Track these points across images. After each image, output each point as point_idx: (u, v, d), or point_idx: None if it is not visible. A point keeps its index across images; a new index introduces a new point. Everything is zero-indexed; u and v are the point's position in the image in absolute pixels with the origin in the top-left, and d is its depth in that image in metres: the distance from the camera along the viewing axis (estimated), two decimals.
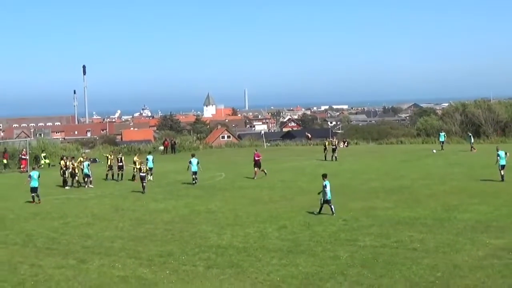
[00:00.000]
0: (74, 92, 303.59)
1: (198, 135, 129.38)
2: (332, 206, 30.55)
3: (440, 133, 71.74)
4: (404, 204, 33.01)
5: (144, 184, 41.33)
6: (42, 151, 66.85)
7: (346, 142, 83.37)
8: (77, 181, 46.19)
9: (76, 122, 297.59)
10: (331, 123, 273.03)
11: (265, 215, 30.99)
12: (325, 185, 31.06)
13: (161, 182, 46.07)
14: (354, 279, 19.30)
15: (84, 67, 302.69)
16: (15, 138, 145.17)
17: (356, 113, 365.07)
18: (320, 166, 54.08)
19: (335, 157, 59.14)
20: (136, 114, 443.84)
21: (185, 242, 25.31)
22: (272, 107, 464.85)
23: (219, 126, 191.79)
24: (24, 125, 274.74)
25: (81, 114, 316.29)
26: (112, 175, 49.68)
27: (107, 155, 53.27)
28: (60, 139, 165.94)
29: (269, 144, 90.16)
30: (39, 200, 38.21)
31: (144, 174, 42.02)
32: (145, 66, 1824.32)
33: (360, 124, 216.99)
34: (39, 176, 39.00)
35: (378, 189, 38.90)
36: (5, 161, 62.07)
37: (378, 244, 23.76)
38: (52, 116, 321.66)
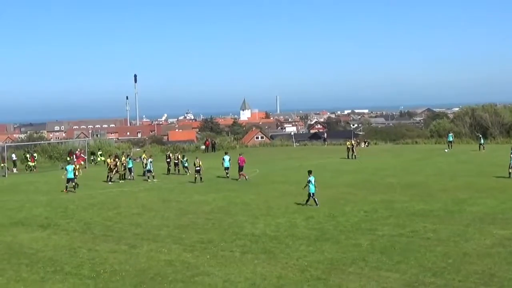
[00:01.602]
0: (127, 98, 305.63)
1: (235, 136, 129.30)
2: (316, 199, 30.87)
3: (449, 134, 71.08)
4: (418, 197, 32.73)
5: (197, 176, 43.60)
6: (99, 149, 67.40)
7: (366, 142, 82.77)
8: (121, 176, 46.76)
9: (128, 124, 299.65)
10: (353, 125, 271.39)
11: (294, 207, 30.93)
12: (309, 180, 31.21)
13: (204, 177, 46.14)
14: (374, 264, 19.18)
15: (135, 76, 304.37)
16: (75, 138, 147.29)
17: (375, 117, 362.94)
18: (342, 164, 53.91)
19: (354, 155, 58.98)
20: (181, 117, 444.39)
21: (223, 231, 25.34)
22: (300, 111, 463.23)
23: (253, 128, 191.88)
24: (83, 127, 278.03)
25: (133, 117, 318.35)
26: (110, 178, 46.17)
27: (107, 159, 50.33)
28: (114, 139, 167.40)
29: (298, 144, 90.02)
30: (74, 189, 40.31)
31: (199, 168, 43.86)
32: (189, 74, 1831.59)
33: (379, 126, 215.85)
34: (73, 169, 41.36)
35: (395, 184, 38.61)
36: (68, 158, 62.45)
37: (395, 233, 23.58)
38: (107, 119, 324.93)
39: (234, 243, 22.84)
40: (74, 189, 40.43)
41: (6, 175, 53.87)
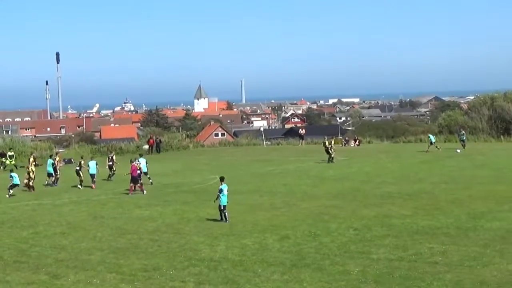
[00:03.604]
0: (46, 83, 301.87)
1: (188, 132, 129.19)
2: (226, 214, 31.66)
3: (460, 132, 71.64)
4: (423, 211, 33.05)
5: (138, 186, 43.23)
6: (9, 150, 66.60)
7: (357, 140, 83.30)
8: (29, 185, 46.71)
9: (49, 117, 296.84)
10: (340, 118, 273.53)
11: (264, 223, 31.02)
12: (221, 189, 31.89)
13: (146, 186, 46.02)
14: None
15: (57, 54, 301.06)
16: None
17: (369, 107, 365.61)
18: (327, 168, 54.16)
19: (331, 158, 58.99)
20: (117, 109, 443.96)
21: (173, 255, 25.33)
22: (272, 101, 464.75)
23: (212, 122, 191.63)
24: None
25: (54, 108, 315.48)
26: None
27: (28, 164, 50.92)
28: (30, 136, 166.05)
29: (269, 143, 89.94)
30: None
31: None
32: (127, 55, 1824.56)
33: (373, 120, 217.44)
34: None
35: (394, 194, 38.93)
36: None
37: (394, 257, 23.81)
38: (21, 110, 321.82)
39: (187, 271, 22.84)
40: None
41: None
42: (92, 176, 46.99)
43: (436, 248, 24.90)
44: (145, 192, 42.36)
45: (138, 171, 42.86)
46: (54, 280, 22.27)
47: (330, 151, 59.31)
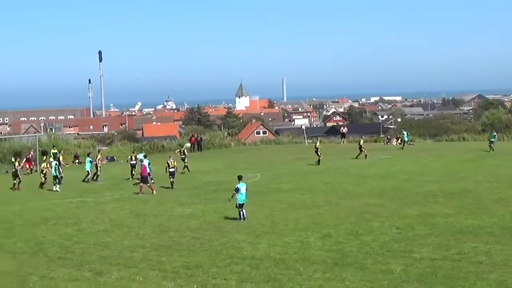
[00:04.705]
0: (89, 82, 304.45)
1: (230, 131, 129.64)
2: (244, 212, 31.76)
3: (492, 133, 71.08)
4: (467, 210, 32.77)
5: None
6: (53, 148, 67.19)
7: (399, 139, 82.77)
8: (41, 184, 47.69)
9: (92, 116, 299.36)
10: (382, 117, 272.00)
11: (306, 222, 30.97)
12: (237, 188, 31.82)
13: (188, 184, 46.24)
14: None
15: (100, 53, 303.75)
16: (23, 134, 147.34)
17: (411, 106, 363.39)
18: (369, 166, 53.89)
19: (362, 156, 60.36)
20: (159, 107, 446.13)
21: (215, 253, 25.40)
22: (314, 99, 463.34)
23: (253, 120, 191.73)
24: (33, 118, 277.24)
25: (97, 106, 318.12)
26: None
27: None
28: (74, 134, 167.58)
29: (310, 141, 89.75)
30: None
31: (173, 170, 44.61)
32: (169, 53, 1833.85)
33: (415, 118, 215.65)
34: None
35: (436, 193, 38.64)
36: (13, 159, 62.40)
37: (437, 257, 23.62)
38: (64, 108, 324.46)
39: (229, 269, 22.89)
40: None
41: None
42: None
43: (480, 248, 24.66)
44: (154, 192, 42.43)
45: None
46: (98, 277, 22.45)
47: (362, 149, 60.69)
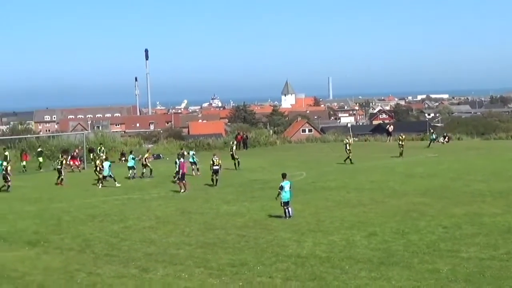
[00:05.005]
0: (136, 80, 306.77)
1: (275, 128, 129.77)
2: (289, 209, 31.64)
3: None
4: None
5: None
6: (100, 145, 67.80)
7: (446, 137, 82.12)
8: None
9: (138, 113, 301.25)
10: (428, 115, 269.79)
11: (352, 220, 30.84)
12: (282, 186, 31.75)
13: (233, 181, 46.33)
14: None
15: (146, 51, 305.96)
16: (71, 131, 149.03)
17: (458, 104, 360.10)
18: (416, 165, 53.49)
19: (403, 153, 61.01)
20: (205, 105, 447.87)
21: (261, 251, 25.40)
22: (360, 97, 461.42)
23: (299, 118, 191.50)
24: (80, 116, 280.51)
25: (144, 104, 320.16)
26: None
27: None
28: (120, 132, 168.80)
29: (356, 139, 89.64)
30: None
31: (218, 167, 45.16)
32: (215, 51, 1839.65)
33: (463, 116, 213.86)
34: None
35: (484, 192, 38.20)
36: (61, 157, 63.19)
37: (484, 256, 23.37)
38: (111, 106, 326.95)
39: (274, 267, 22.88)
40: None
41: None
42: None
43: None
44: (186, 190, 42.46)
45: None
46: (144, 274, 22.59)
47: (401, 146, 61.29)
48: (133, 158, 51.32)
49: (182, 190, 42.12)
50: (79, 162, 60.76)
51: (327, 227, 29.52)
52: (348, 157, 56.77)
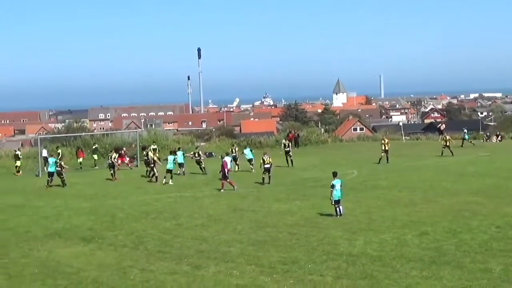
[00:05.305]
0: (188, 78, 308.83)
1: (327, 127, 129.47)
2: (340, 208, 31.59)
3: None
4: None
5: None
6: (153, 143, 68.28)
7: (499, 136, 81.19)
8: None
9: (190, 112, 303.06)
10: (481, 113, 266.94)
11: (403, 219, 30.65)
12: (333, 184, 31.64)
13: (285, 180, 46.33)
14: None
15: (199, 50, 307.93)
16: (124, 129, 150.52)
17: (511, 102, 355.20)
18: (468, 164, 52.92)
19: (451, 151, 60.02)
20: (257, 103, 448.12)
21: (312, 249, 25.38)
22: (411, 95, 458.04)
23: (350, 117, 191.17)
24: (133, 114, 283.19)
25: (196, 102, 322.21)
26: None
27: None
28: (173, 130, 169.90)
29: (408, 138, 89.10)
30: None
31: (268, 166, 45.03)
32: (267, 50, 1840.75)
33: None
34: (55, 162, 48.41)
35: None
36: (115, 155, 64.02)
37: None
38: (164, 104, 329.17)
39: (325, 265, 22.85)
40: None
41: (40, 174, 55.56)
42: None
43: None
44: (236, 187, 42.47)
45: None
46: (196, 271, 22.72)
47: (448, 144, 60.69)
48: (183, 154, 52.01)
49: (235, 187, 42.23)
50: (127, 160, 61.37)
51: (378, 226, 29.39)
52: (383, 157, 56.44)
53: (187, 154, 54.40)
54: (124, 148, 64.33)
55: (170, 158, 47.90)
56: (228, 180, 42.71)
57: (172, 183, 46.07)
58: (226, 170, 42.78)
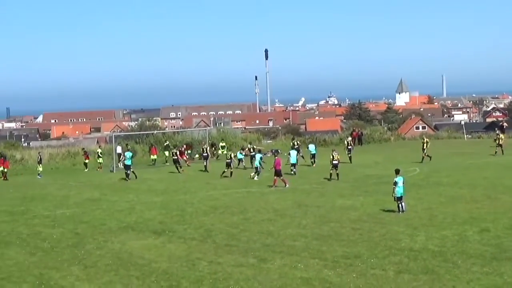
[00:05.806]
0: (256, 78, 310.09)
1: (390, 126, 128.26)
2: (402, 204, 31.22)
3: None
4: None
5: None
6: (221, 140, 68.72)
7: None
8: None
9: (258, 111, 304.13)
10: None
11: (464, 216, 30.24)
12: (395, 181, 31.38)
13: (348, 177, 46.10)
14: None
15: (266, 51, 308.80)
16: (194, 127, 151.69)
17: None
18: None
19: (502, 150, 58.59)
20: (322, 102, 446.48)
21: (374, 244, 25.23)
22: (473, 95, 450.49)
23: (413, 116, 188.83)
24: (203, 113, 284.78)
25: (263, 101, 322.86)
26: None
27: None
28: (241, 128, 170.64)
29: (470, 136, 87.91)
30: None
31: (337, 162, 45.27)
32: (332, 50, 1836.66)
33: None
34: (132, 157, 51.38)
35: None
36: (189, 151, 64.83)
37: None
38: (232, 103, 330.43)
39: (387, 260, 22.70)
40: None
41: (115, 170, 56.43)
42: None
43: None
44: (287, 185, 42.22)
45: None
46: (262, 264, 22.78)
47: (500, 144, 59.50)
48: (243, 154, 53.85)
49: (287, 185, 42.17)
50: (187, 157, 61.75)
51: (439, 222, 29.05)
52: (424, 156, 55.62)
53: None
54: (185, 145, 64.85)
55: (258, 156, 49.11)
56: (281, 178, 42.78)
57: (257, 179, 46.75)
58: (279, 168, 42.92)
